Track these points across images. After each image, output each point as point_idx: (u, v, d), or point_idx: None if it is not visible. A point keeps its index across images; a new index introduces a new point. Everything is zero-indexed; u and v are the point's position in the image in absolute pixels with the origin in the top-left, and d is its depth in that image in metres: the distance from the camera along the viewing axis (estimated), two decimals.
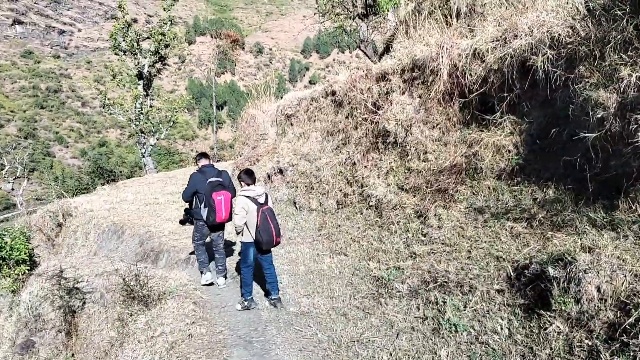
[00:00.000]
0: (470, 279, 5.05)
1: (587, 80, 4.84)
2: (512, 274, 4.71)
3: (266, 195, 6.23)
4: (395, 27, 15.20)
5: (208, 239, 7.56)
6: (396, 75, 8.66)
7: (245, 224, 6.00)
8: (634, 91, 4.28)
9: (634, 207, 4.21)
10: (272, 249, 6.33)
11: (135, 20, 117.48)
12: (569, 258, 4.00)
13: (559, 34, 5.44)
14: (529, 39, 5.90)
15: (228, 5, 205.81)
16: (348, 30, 20.38)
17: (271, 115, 14.39)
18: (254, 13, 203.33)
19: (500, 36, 6.50)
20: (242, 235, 6.15)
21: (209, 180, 6.98)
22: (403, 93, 8.46)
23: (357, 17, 20.28)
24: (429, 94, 7.76)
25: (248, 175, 6.17)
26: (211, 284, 7.47)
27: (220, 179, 7.06)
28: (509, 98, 6.32)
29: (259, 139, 14.61)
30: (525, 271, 4.52)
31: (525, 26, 6.08)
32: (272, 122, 14.31)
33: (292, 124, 12.09)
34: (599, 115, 4.55)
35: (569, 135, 5.15)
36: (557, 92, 5.46)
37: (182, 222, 7.63)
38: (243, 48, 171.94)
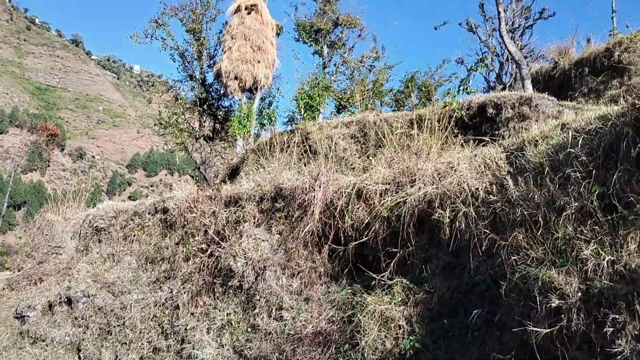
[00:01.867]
0: None
1: (526, 251, 3.66)
2: None
3: None
4: (245, 154, 14.00)
5: None
6: (252, 202, 7.01)
7: None
8: (605, 280, 3.12)
9: None
10: None
11: None
12: None
13: (477, 188, 4.38)
14: (433, 188, 4.78)
15: (57, 104, 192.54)
16: (189, 150, 18.78)
17: (75, 225, 11.42)
18: (83, 117, 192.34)
19: (393, 179, 5.34)
20: None
21: None
22: (258, 225, 6.76)
23: (201, 138, 18.93)
24: (293, 232, 6.17)
25: None
26: None
27: None
28: (400, 255, 4.98)
29: (51, 252, 11.34)
30: None
31: (428, 172, 5.01)
32: (74, 234, 11.31)
33: (100, 241, 9.41)
34: (553, 304, 3.28)
35: (498, 322, 3.81)
36: (474, 259, 4.23)
37: None
38: (62, 149, 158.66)
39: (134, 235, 8.46)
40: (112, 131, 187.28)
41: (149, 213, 8.62)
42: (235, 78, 16.81)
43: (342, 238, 5.62)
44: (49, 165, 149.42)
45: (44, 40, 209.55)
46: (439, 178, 4.81)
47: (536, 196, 3.74)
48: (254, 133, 16.82)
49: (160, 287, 7.22)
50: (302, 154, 9.46)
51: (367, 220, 5.40)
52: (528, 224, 3.75)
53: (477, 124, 7.98)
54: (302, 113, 11.93)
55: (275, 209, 6.68)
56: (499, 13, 11.34)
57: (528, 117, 7.35)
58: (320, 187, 6.02)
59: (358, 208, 5.49)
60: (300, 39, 24.12)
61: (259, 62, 16.96)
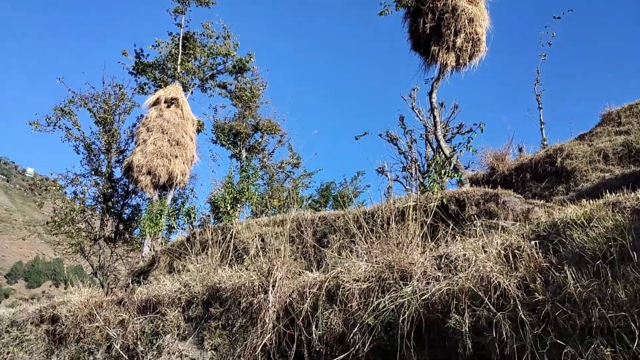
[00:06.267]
0: None
1: None
2: None
3: None
4: (156, 256, 12.23)
5: None
6: (176, 308, 5.47)
7: None
8: None
9: None
10: None
11: None
12: None
13: (508, 284, 3.35)
14: (444, 285, 3.68)
15: None
16: (86, 252, 16.38)
17: None
18: None
19: (377, 275, 4.20)
20: None
21: None
22: (184, 338, 5.19)
23: (101, 239, 16.69)
24: (235, 348, 4.69)
25: None
26: None
27: None
28: None
29: None
30: None
31: (427, 266, 3.95)
32: None
33: None
34: None
35: None
36: None
37: None
38: None
39: (8, 353, 6.36)
40: None
41: (31, 323, 6.63)
42: (148, 173, 15.30)
43: (307, 355, 4.25)
44: None
45: None
46: (448, 272, 3.76)
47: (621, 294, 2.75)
48: (163, 235, 15.09)
49: None
50: (227, 256, 8.11)
51: (342, 330, 4.12)
52: (612, 332, 2.72)
53: (436, 222, 7.20)
54: (229, 209, 10.66)
55: (208, 316, 5.20)
56: (434, 117, 11.28)
57: (496, 214, 6.71)
58: (274, 286, 4.72)
59: (330, 314, 4.22)
60: (218, 141, 23.38)
61: (176, 157, 15.69)
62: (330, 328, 4.17)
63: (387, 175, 19.78)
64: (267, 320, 4.55)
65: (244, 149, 23.66)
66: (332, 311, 4.23)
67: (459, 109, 18.68)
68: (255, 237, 10.04)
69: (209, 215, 16.64)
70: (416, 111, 18.45)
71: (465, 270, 3.62)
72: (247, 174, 11.96)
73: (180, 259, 10.61)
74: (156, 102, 16.29)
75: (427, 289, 3.75)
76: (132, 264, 14.55)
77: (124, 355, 5.25)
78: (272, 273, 4.83)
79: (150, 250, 13.40)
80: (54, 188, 17.49)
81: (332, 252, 8.49)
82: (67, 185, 17.25)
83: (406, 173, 18.89)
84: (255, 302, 4.75)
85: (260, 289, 4.81)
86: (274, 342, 4.47)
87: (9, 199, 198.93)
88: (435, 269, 3.95)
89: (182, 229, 12.30)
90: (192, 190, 19.58)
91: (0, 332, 6.80)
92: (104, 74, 17.65)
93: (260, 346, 4.47)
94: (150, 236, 12.94)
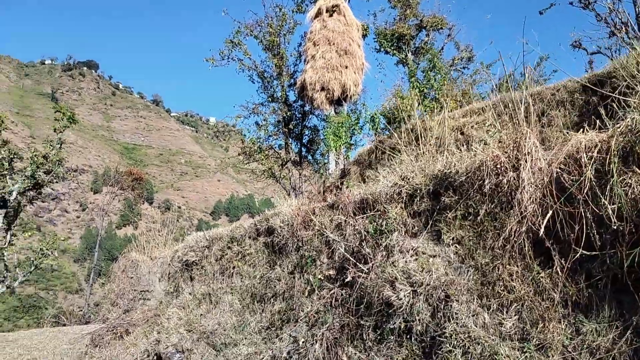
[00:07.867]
0: None
1: None
2: None
3: None
4: (345, 169, 11.91)
5: None
6: (397, 204, 4.76)
7: None
8: None
9: None
10: None
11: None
12: None
13: None
14: None
15: (143, 161, 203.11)
16: (277, 176, 16.99)
17: (163, 264, 9.72)
18: (168, 171, 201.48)
19: None
20: None
21: None
22: (414, 235, 4.47)
23: (289, 162, 17.12)
24: (485, 239, 3.81)
25: None
26: None
27: None
28: None
29: (137, 298, 9.69)
30: None
31: None
32: (163, 274, 9.59)
33: (192, 278, 7.49)
34: None
35: None
36: None
37: None
38: (151, 202, 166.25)
39: (233, 268, 6.44)
40: (195, 181, 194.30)
41: (249, 237, 6.59)
42: (322, 89, 14.90)
43: (598, 236, 3.19)
44: (140, 219, 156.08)
45: (128, 103, 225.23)
46: None
47: None
48: (344, 150, 14.75)
49: (278, 335, 5.05)
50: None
51: None
52: None
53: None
54: (418, 106, 9.63)
55: (441, 207, 4.37)
56: None
57: None
58: (528, 159, 3.66)
59: (630, 178, 3.05)
60: (382, 49, 22.10)
61: (346, 67, 15.01)
62: (632, 199, 3.03)
63: (585, 50, 16.75)
64: (525, 200, 3.56)
65: (410, 52, 22.08)
66: (631, 175, 3.06)
67: None
68: (453, 131, 8.91)
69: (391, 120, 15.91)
70: None
71: None
72: (432, 63, 10.74)
73: (371, 167, 10.06)
74: (318, 14, 15.62)
75: None
76: (322, 182, 14.59)
77: (350, 258, 4.75)
78: (521, 143, 3.77)
79: (337, 164, 13.19)
80: (238, 122, 18.00)
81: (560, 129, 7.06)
82: (250, 115, 17.72)
83: (611, 41, 15.67)
84: (504, 183, 3.77)
85: (507, 165, 3.81)
86: (538, 226, 3.49)
87: (200, 147, 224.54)
88: None
89: (367, 135, 11.71)
90: (363, 105, 18.98)
91: (223, 249, 6.94)
92: None
93: (519, 232, 3.53)
94: (335, 150, 12.66)
